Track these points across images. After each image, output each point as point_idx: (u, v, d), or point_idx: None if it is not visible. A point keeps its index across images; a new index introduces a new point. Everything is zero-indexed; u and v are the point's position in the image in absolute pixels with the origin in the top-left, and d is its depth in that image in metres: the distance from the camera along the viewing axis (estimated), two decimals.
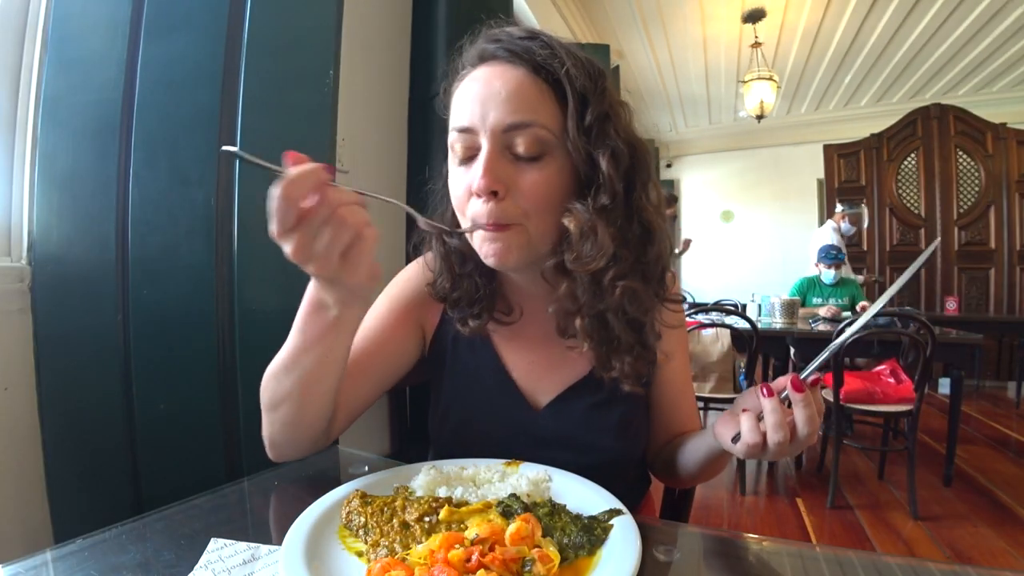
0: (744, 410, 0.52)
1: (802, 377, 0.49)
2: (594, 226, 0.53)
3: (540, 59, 0.53)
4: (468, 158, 0.54)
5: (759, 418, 0.50)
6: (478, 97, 0.53)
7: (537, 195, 0.53)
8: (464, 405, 0.68)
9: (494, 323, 0.66)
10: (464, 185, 0.54)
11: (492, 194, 0.52)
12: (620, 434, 0.66)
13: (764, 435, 0.49)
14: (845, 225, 3.78)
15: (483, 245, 0.55)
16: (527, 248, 0.55)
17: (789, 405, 0.50)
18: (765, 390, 0.50)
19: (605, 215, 0.54)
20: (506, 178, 0.52)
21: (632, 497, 0.76)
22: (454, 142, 0.55)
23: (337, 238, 0.41)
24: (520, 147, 0.52)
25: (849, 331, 0.53)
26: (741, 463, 2.45)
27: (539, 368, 0.67)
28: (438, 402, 0.70)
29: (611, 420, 0.65)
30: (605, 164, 0.54)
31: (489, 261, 0.56)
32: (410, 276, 0.72)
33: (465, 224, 0.56)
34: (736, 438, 0.52)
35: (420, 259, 0.71)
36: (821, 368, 0.51)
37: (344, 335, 0.52)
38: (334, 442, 0.70)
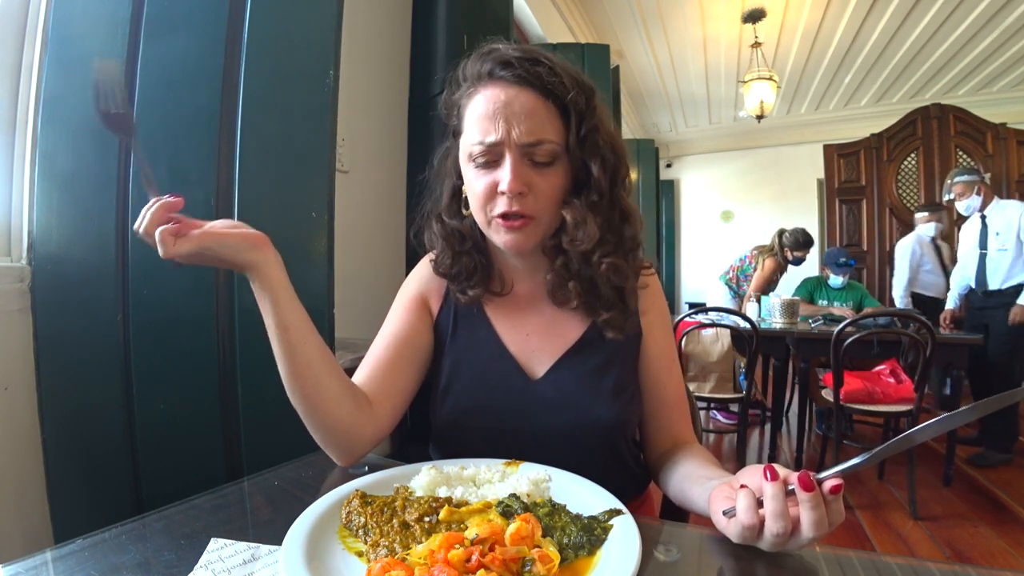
0: (743, 485, 0.47)
1: (819, 476, 0.44)
2: (585, 218, 0.65)
3: (549, 85, 0.63)
4: (490, 163, 0.64)
5: (759, 500, 0.45)
6: (501, 116, 0.62)
7: (548, 194, 0.65)
8: (464, 378, 0.72)
9: (489, 295, 0.75)
10: (488, 184, 0.64)
11: (519, 194, 0.63)
12: (615, 397, 0.69)
13: (762, 520, 0.44)
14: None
15: (506, 235, 0.65)
16: (538, 236, 0.67)
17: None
18: (769, 473, 0.45)
19: (594, 209, 0.66)
20: (528, 181, 0.63)
21: (634, 487, 0.77)
22: (478, 152, 0.64)
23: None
24: (537, 157, 0.64)
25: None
26: (742, 458, 2.44)
27: (533, 339, 0.74)
28: (439, 379, 0.74)
29: (605, 383, 0.70)
30: (596, 170, 0.66)
31: (508, 247, 0.66)
32: (417, 271, 0.81)
33: (484, 215, 0.66)
34: (728, 512, 0.47)
35: (425, 258, 0.80)
36: (846, 473, 0.44)
37: (265, 302, 0.58)
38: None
